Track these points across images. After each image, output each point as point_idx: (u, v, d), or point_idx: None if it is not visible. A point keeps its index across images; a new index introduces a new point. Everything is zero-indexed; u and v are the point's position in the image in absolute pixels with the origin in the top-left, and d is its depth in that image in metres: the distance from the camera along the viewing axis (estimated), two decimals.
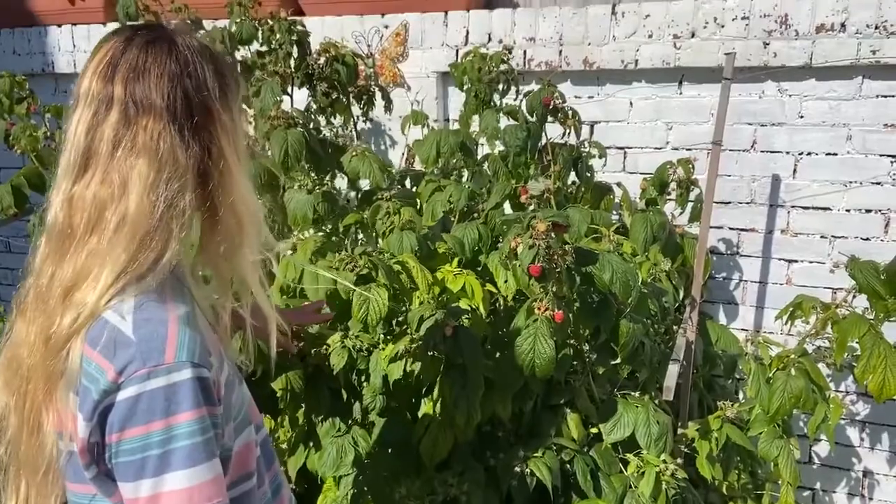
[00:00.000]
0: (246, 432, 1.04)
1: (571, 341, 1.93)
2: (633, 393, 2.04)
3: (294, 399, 1.84)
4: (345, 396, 2.03)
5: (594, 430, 2.04)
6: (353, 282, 1.84)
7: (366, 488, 2.01)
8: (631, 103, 2.85)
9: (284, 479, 1.23)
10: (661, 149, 2.85)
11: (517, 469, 1.83)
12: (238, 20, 2.34)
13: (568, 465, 1.93)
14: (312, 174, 2.38)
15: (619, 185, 2.68)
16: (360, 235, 2.41)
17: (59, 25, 3.62)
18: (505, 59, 2.32)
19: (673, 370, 1.91)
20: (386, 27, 3.05)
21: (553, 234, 1.56)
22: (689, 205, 2.44)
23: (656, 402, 2.16)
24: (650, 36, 2.71)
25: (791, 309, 2.34)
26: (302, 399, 1.95)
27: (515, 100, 2.44)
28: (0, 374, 0.98)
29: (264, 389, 1.86)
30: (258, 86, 2.33)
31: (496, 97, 2.40)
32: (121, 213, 0.90)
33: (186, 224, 0.93)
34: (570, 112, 2.30)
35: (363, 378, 2.03)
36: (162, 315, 0.90)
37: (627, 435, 1.96)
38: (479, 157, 2.55)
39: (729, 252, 2.83)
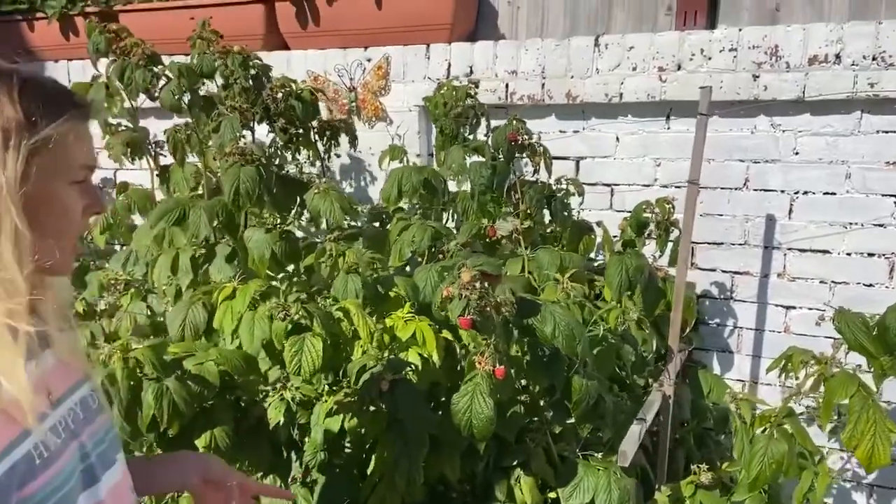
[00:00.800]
0: None
1: (524, 397, 1.78)
2: (596, 454, 1.88)
3: (221, 455, 1.72)
4: (284, 453, 1.91)
5: (552, 496, 1.88)
6: (287, 330, 1.73)
7: None
8: (617, 138, 2.72)
9: None
10: (649, 185, 2.70)
11: None
12: (199, 53, 2.28)
13: None
14: (271, 213, 2.29)
15: (599, 224, 2.54)
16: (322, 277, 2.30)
17: (56, 60, 3.64)
18: (471, 93, 2.21)
19: (634, 431, 1.75)
20: (368, 60, 2.97)
21: (486, 284, 1.43)
22: (670, 246, 2.28)
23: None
24: (634, 68, 2.58)
25: (783, 361, 2.16)
26: (233, 454, 1.83)
27: (486, 135, 2.32)
28: None
29: (188, 445, 1.75)
30: (218, 121, 2.25)
31: (466, 132, 2.29)
32: None
33: None
34: (538, 148, 2.17)
35: (306, 433, 1.91)
36: None
37: (587, 501, 1.79)
38: (452, 195, 2.44)
39: (722, 296, 2.65)
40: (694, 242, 2.66)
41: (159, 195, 2.87)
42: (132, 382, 1.65)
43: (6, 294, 0.82)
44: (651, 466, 2.21)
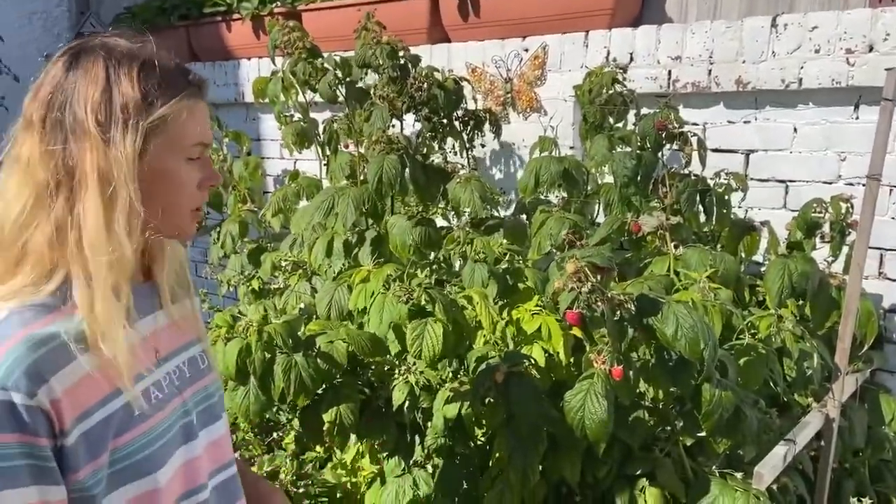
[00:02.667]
0: (141, 483, 0.93)
1: (648, 402, 1.66)
2: (735, 474, 1.70)
3: (342, 432, 1.78)
4: (409, 436, 1.94)
5: None
6: (408, 314, 1.75)
7: None
8: (795, 129, 2.44)
9: None
10: (831, 182, 2.40)
11: None
12: (363, 44, 2.37)
13: None
14: (417, 202, 2.33)
15: (764, 224, 2.29)
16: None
17: (249, 58, 3.98)
18: (618, 78, 2.10)
19: (777, 453, 1.56)
20: (526, 50, 2.93)
21: (597, 278, 1.34)
22: (846, 251, 2.01)
23: (774, 487, 1.80)
24: (817, 51, 2.30)
25: None
26: (359, 432, 1.89)
27: (635, 124, 2.19)
28: None
29: (316, 418, 1.83)
30: (370, 111, 2.34)
31: (613, 121, 2.18)
32: (1, 218, 0.91)
33: (56, 239, 0.88)
34: (690, 138, 2.01)
35: (429, 418, 1.92)
36: (7, 332, 0.85)
37: None
38: (597, 188, 2.34)
39: None
40: (884, 249, 2.33)
41: (326, 183, 3.04)
42: (267, 355, 1.76)
43: (115, 262, 0.88)
44: (811, 496, 1.97)
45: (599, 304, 1.35)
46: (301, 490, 2.37)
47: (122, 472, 0.91)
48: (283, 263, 2.79)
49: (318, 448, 2.54)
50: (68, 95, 0.88)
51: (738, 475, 1.70)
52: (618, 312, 1.39)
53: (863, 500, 1.68)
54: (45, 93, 0.89)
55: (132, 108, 0.89)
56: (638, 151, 2.01)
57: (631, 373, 1.47)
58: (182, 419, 1.00)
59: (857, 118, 2.32)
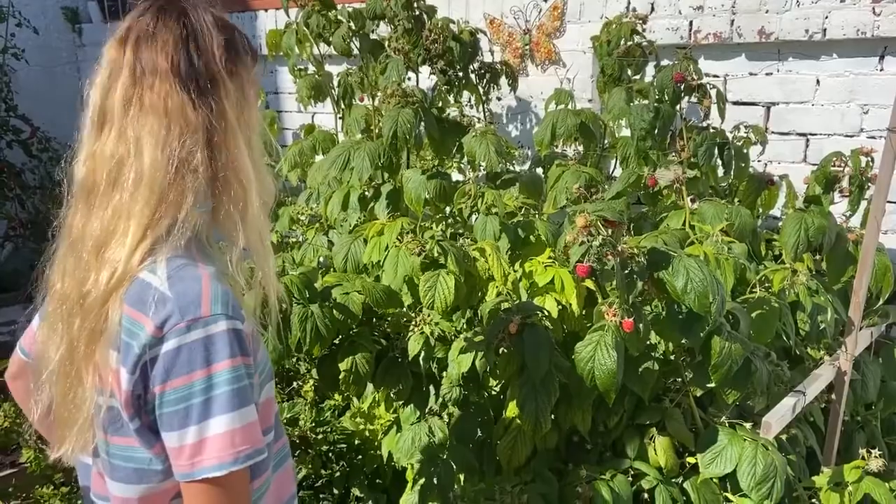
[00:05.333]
0: (268, 387, 1.06)
1: (659, 354, 1.68)
2: (744, 424, 1.73)
3: (357, 381, 1.82)
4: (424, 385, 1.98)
5: (691, 461, 1.77)
6: (421, 267, 1.77)
7: (435, 481, 1.95)
8: (818, 81, 2.40)
9: (289, 448, 1.23)
10: (852, 136, 2.36)
11: (579, 490, 1.64)
12: None
13: (647, 496, 1.69)
14: (433, 155, 2.33)
15: (783, 178, 2.27)
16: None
17: (266, 10, 3.95)
18: (637, 29, 2.06)
19: (786, 404, 1.58)
20: (545, 0, 2.88)
21: (609, 231, 1.35)
22: (865, 206, 2.00)
23: (783, 438, 1.82)
24: (842, 0, 2.24)
25: None
26: (375, 381, 1.94)
27: (654, 77, 2.16)
28: (45, 329, 1.04)
29: (332, 367, 1.88)
30: (385, 63, 2.32)
31: (631, 73, 2.15)
32: (137, 169, 0.94)
33: (202, 183, 0.96)
34: (710, 90, 1.98)
35: (444, 368, 1.96)
36: (194, 272, 0.94)
37: (728, 471, 1.67)
38: (614, 141, 2.32)
39: None
40: None
41: (342, 137, 3.04)
42: (283, 306, 1.79)
43: (265, 204, 1.05)
44: (821, 448, 2.00)
45: (610, 257, 1.36)
46: (320, 436, 2.44)
47: (263, 379, 1.04)
48: (301, 217, 2.81)
49: (336, 396, 2.61)
50: (197, 41, 0.96)
51: (748, 425, 1.73)
52: (628, 266, 1.40)
53: (872, 451, 1.70)
54: (163, 41, 0.95)
55: (246, 62, 1.02)
56: (655, 104, 1.99)
57: (641, 325, 1.48)
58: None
59: (882, 69, 2.27)
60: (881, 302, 2.11)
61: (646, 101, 2.06)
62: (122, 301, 0.94)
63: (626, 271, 1.40)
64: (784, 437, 1.84)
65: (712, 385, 1.64)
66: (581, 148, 2.45)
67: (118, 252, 0.95)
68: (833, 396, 1.90)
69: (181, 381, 0.90)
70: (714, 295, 1.40)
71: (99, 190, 0.97)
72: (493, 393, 2.05)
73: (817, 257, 2.16)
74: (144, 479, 0.98)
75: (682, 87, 1.97)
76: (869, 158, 1.96)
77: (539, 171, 2.51)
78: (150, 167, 0.94)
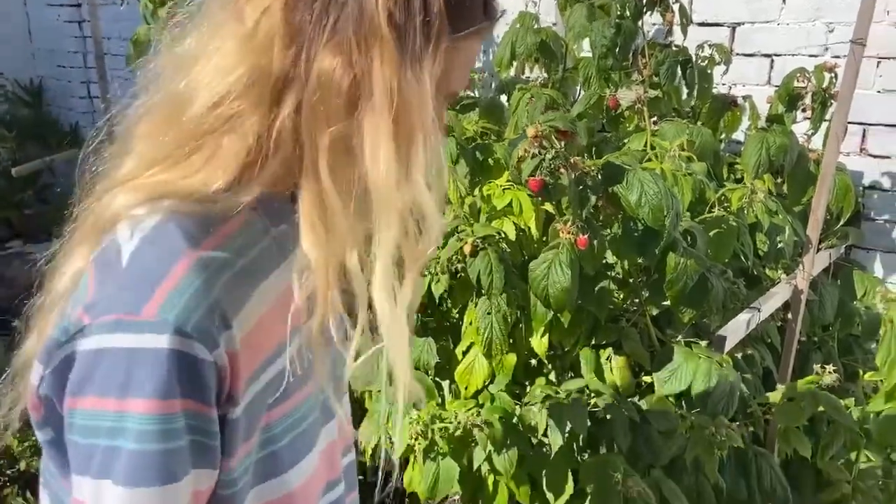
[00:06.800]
0: (282, 481, 0.70)
1: (616, 273, 1.66)
2: (700, 342, 1.73)
3: None
4: None
5: (647, 380, 1.77)
6: None
7: None
8: (784, 0, 2.34)
9: None
10: (817, 56, 2.32)
11: (533, 409, 1.64)
12: None
13: (603, 414, 1.70)
14: None
15: (746, 98, 2.23)
16: None
17: None
18: None
19: (740, 319, 1.58)
20: None
21: (562, 144, 1.31)
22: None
23: (738, 356, 1.83)
24: None
25: None
26: None
27: None
28: None
29: None
30: None
31: None
32: (172, 92, 0.67)
33: (250, 146, 0.64)
34: (670, 4, 1.92)
35: None
36: (176, 246, 0.61)
37: (683, 388, 1.68)
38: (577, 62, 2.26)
39: (895, 188, 2.27)
40: (867, 124, 2.28)
41: None
42: None
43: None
44: (778, 368, 2.02)
45: (563, 170, 1.32)
46: None
47: (265, 463, 0.68)
48: None
49: None
50: None
51: (703, 343, 1.73)
52: (582, 181, 1.36)
53: (826, 367, 1.72)
54: None
55: (438, 17, 0.62)
56: (617, 20, 1.93)
57: (595, 242, 1.46)
58: (321, 392, 0.74)
59: None
60: (841, 223, 2.11)
61: (608, 18, 1.99)
62: (90, 252, 0.65)
63: (581, 187, 1.37)
64: (739, 355, 1.85)
65: (668, 303, 1.63)
66: (544, 73, 2.39)
67: (118, 196, 0.66)
68: (790, 315, 1.91)
69: (91, 403, 0.59)
70: (668, 208, 1.37)
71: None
72: (454, 321, 2.04)
73: (779, 180, 2.15)
74: None
75: (644, 1, 1.91)
76: (832, 74, 1.92)
77: (503, 97, 2.45)
78: (188, 96, 0.65)
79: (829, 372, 1.69)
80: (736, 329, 1.55)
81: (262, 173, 0.65)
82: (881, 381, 1.89)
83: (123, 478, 0.58)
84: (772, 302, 1.73)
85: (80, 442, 0.60)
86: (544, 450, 1.77)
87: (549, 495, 1.79)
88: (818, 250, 2.14)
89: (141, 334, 0.58)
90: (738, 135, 2.35)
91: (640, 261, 1.67)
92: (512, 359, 1.85)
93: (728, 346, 1.52)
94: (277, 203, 0.69)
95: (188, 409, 0.59)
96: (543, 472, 1.80)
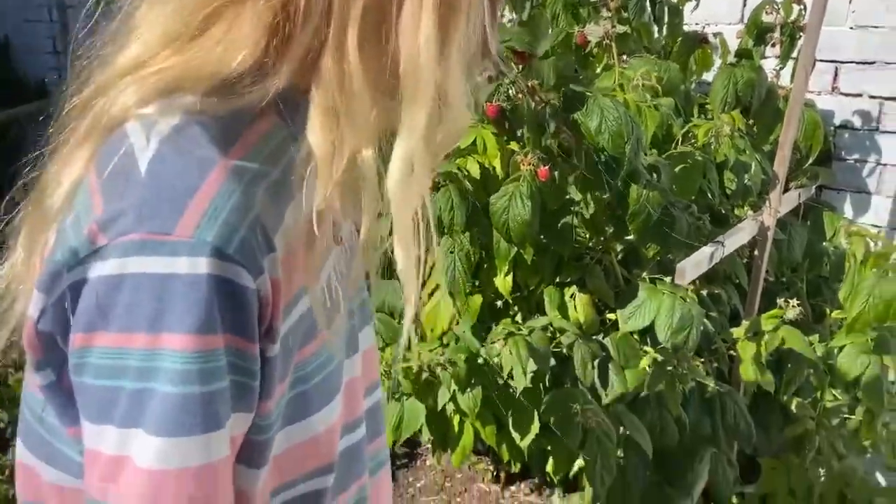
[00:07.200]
0: (311, 422, 0.63)
1: (578, 208, 1.64)
2: (664, 279, 1.72)
3: None
4: None
5: (612, 317, 1.76)
6: None
7: None
8: None
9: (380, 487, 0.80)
10: None
11: (496, 346, 1.63)
12: None
13: (567, 351, 1.69)
14: None
15: (716, 35, 2.19)
16: None
17: None
18: None
19: (703, 252, 1.56)
20: None
21: (521, 66, 1.27)
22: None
23: (704, 294, 1.83)
24: None
25: None
26: None
27: None
28: None
29: None
30: None
31: None
32: None
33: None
34: None
35: None
36: (205, 153, 0.52)
37: (647, 324, 1.67)
38: None
39: (866, 127, 2.25)
40: (839, 61, 2.25)
41: None
42: None
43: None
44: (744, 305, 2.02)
45: (521, 96, 1.28)
46: None
47: (295, 404, 0.61)
48: None
49: None
50: None
51: (668, 279, 1.72)
52: (542, 108, 1.33)
53: (790, 301, 1.71)
54: None
55: None
56: None
57: (556, 174, 1.43)
58: (346, 323, 0.66)
59: None
60: (810, 161, 2.10)
61: None
62: (93, 157, 0.55)
63: (540, 112, 1.33)
64: (705, 293, 1.84)
65: (631, 237, 1.61)
66: (514, 14, 2.33)
67: (120, 92, 0.55)
68: (756, 253, 1.90)
69: (113, 340, 0.49)
70: (629, 135, 1.34)
71: None
72: None
73: (751, 122, 2.12)
74: (58, 461, 0.59)
75: None
76: (801, 7, 1.89)
77: None
78: None
79: (793, 306, 1.68)
80: (699, 262, 1.53)
81: (290, 50, 0.54)
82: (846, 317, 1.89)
83: (158, 426, 0.49)
84: (737, 237, 1.72)
85: (95, 385, 0.50)
86: (510, 391, 1.77)
87: (516, 435, 1.80)
88: (787, 190, 2.13)
89: (175, 257, 0.48)
90: (711, 76, 2.31)
91: (605, 197, 1.64)
92: (477, 300, 1.83)
93: (689, 277, 1.50)
94: (301, 105, 0.57)
95: (231, 346, 0.50)
96: (509, 412, 1.80)
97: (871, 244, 1.85)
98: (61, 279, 0.51)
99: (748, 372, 1.68)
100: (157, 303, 0.48)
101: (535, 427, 1.78)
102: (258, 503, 0.59)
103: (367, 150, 0.54)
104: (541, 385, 1.77)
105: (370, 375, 0.77)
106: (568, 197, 1.61)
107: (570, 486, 2.14)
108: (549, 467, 1.90)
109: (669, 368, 1.57)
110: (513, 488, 2.38)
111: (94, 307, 0.49)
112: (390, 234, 0.58)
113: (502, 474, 2.37)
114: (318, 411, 0.62)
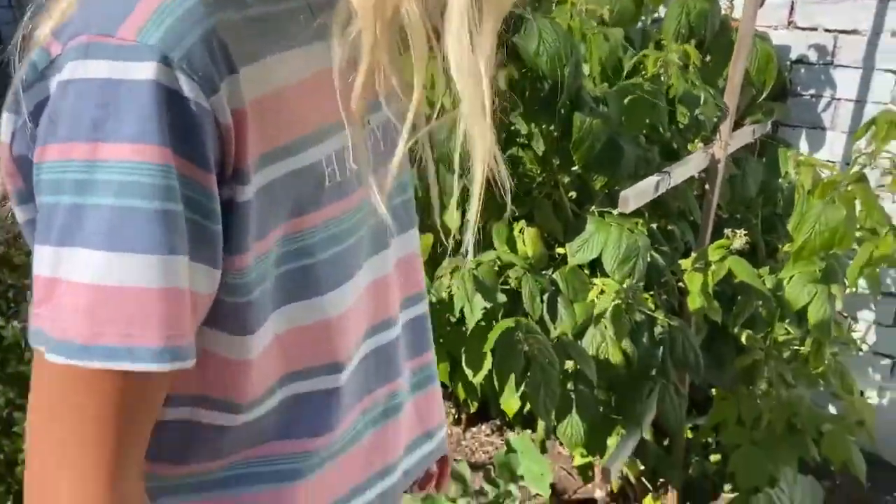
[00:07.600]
0: (316, 303, 0.59)
1: (523, 141, 1.62)
2: (613, 212, 1.71)
3: None
4: None
5: (561, 251, 1.76)
6: None
7: None
8: None
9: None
10: None
11: (442, 280, 1.62)
12: None
13: (515, 284, 1.68)
14: None
15: None
16: None
17: None
18: None
19: (648, 181, 1.55)
20: None
21: None
22: None
23: (655, 228, 1.82)
24: None
25: (871, 126, 1.82)
26: None
27: None
28: None
29: None
30: None
31: None
32: None
33: None
34: None
35: None
36: None
37: (595, 256, 1.66)
38: None
39: (821, 62, 2.24)
40: None
41: None
42: None
43: None
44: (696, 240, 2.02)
45: None
46: None
47: (295, 278, 0.57)
48: None
49: None
50: None
51: (615, 212, 1.71)
52: None
53: (737, 231, 1.71)
54: None
55: None
56: None
57: (497, 101, 1.40)
58: (375, 215, 0.59)
59: None
60: (764, 95, 2.08)
61: None
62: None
63: None
64: (655, 226, 1.84)
65: (577, 168, 1.59)
66: None
67: None
68: (707, 186, 1.89)
69: (59, 151, 0.46)
70: (567, 57, 1.32)
71: None
72: None
73: (707, 59, 2.10)
74: None
75: None
76: None
77: None
78: None
79: (739, 236, 1.68)
80: (643, 191, 1.52)
81: None
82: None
83: (96, 240, 0.44)
84: (685, 168, 1.70)
85: (43, 203, 0.47)
86: (463, 328, 1.77)
87: (469, 371, 1.80)
88: (742, 125, 2.12)
89: (115, 61, 0.44)
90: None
91: (551, 129, 1.62)
92: (428, 239, 1.82)
93: (632, 206, 1.49)
94: None
95: (180, 170, 0.45)
96: (462, 350, 1.80)
97: (821, 173, 1.85)
98: (25, 96, 0.49)
99: (695, 301, 1.69)
100: (99, 110, 0.44)
101: (489, 363, 1.79)
102: (255, 379, 0.57)
103: (410, 3, 0.49)
104: (493, 322, 1.77)
105: (411, 285, 0.74)
106: (513, 128, 1.59)
107: (530, 426, 2.16)
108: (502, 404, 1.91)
109: (617, 302, 1.57)
110: (473, 429, 2.41)
111: (46, 119, 0.47)
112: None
113: (463, 416, 2.39)
114: (326, 293, 0.59)
